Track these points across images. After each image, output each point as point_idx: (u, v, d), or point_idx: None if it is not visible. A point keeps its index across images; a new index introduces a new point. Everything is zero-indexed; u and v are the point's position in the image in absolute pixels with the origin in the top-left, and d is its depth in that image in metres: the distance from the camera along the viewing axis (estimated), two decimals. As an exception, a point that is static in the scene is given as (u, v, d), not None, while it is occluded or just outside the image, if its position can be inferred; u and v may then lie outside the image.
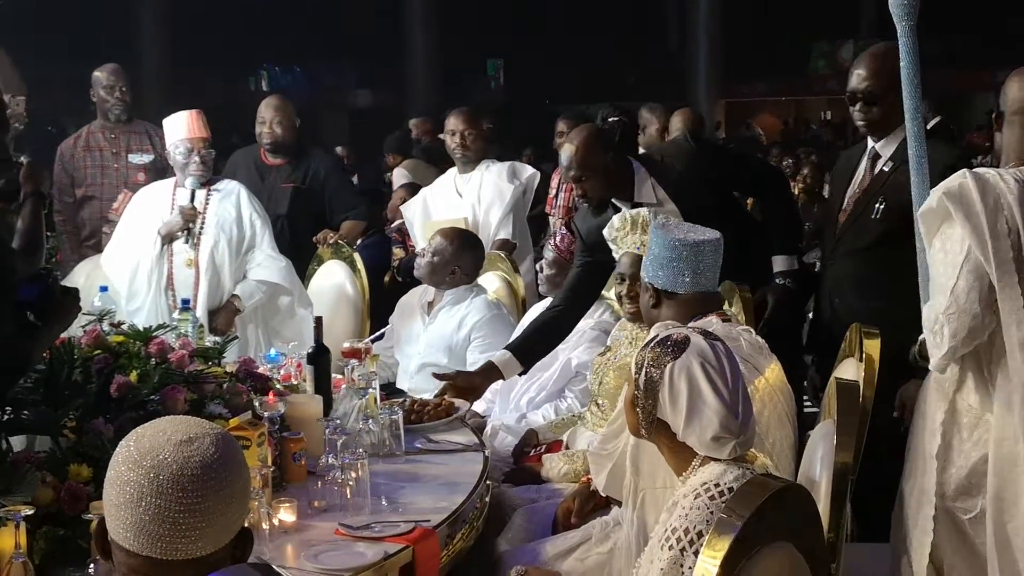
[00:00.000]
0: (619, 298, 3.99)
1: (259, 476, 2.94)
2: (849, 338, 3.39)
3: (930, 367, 3.08)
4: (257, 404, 3.30)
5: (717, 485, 2.38)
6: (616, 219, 3.96)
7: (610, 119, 5.98)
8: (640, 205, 4.23)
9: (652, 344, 2.59)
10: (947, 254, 2.96)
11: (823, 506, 2.63)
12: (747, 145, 14.49)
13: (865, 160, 4.11)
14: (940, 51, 21.52)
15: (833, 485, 2.64)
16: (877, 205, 3.95)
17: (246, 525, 1.79)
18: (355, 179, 10.72)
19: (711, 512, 2.31)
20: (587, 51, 22.26)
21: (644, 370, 2.56)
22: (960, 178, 2.94)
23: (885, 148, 4.02)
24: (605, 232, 3.95)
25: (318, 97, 23.51)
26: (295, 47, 22.64)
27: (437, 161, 7.75)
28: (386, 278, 6.80)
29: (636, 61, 22.45)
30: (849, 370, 3.22)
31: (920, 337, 3.15)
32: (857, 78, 4.01)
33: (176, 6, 19.97)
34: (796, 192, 7.39)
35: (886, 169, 3.97)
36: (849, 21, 22.59)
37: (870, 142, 4.11)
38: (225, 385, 3.44)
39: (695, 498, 2.41)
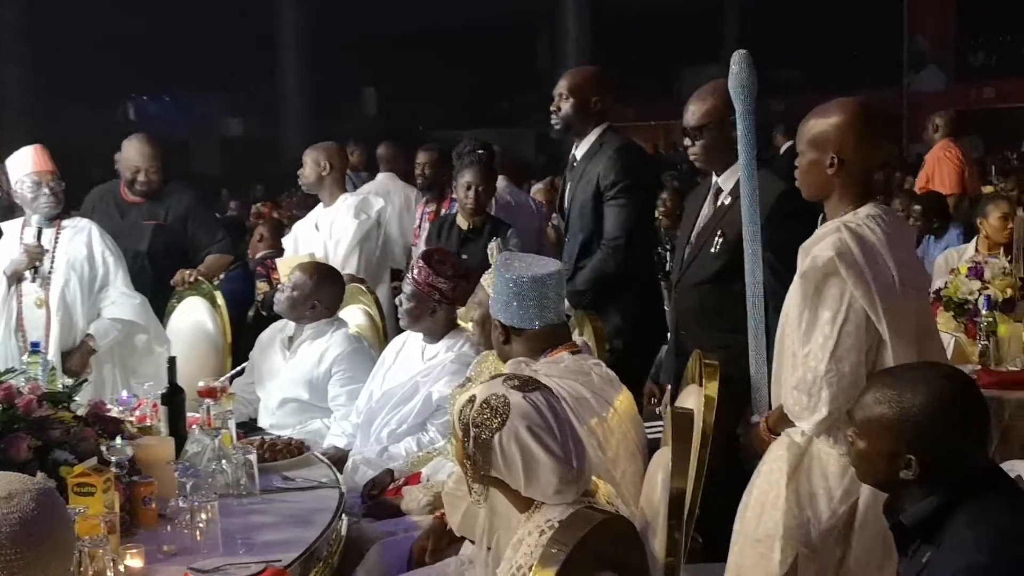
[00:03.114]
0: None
1: (104, 523, 2.90)
2: (691, 366, 3.48)
3: (804, 430, 3.01)
4: (104, 449, 3.25)
5: (549, 521, 2.43)
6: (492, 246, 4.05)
7: (478, 151, 6.07)
8: None
9: (475, 407, 2.62)
10: (827, 313, 2.92)
11: (661, 530, 2.71)
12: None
13: (710, 194, 4.21)
14: (802, 77, 22.20)
15: (669, 510, 2.71)
16: (716, 239, 4.03)
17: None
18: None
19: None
20: (460, 79, 22.41)
21: (471, 434, 2.60)
22: (837, 232, 2.93)
23: (726, 182, 4.09)
24: None
25: (188, 126, 23.25)
26: (164, 76, 22.34)
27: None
28: (250, 312, 6.74)
29: (508, 88, 22.67)
30: (691, 397, 3.31)
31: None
32: (688, 114, 4.13)
33: (37, 34, 19.53)
34: (658, 217, 7.52)
35: (726, 203, 4.04)
36: (713, 45, 23.14)
37: (714, 175, 4.20)
38: (72, 430, 3.39)
39: (540, 535, 2.46)
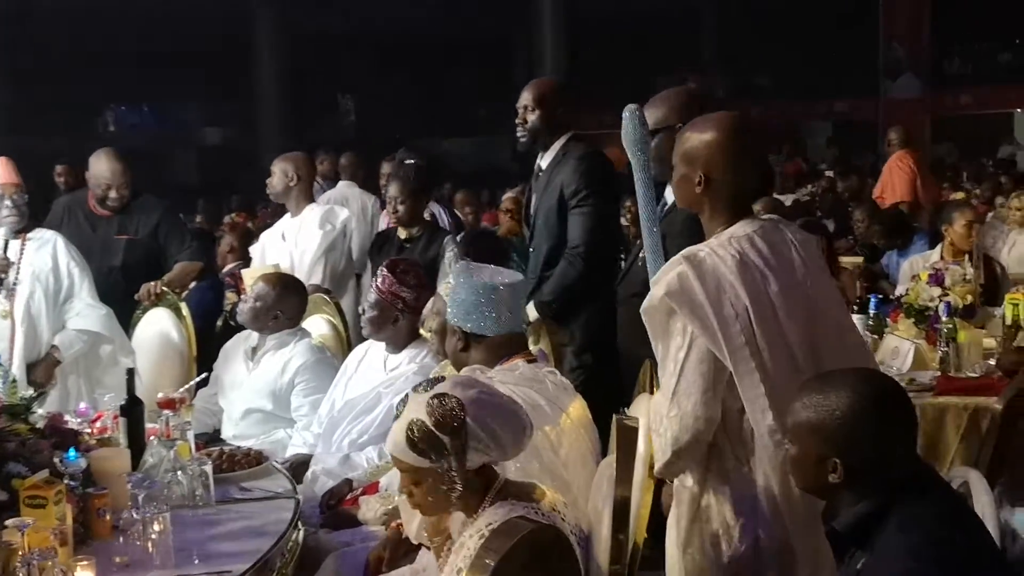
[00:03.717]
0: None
1: (54, 535, 2.92)
2: (642, 376, 3.51)
3: (655, 472, 2.89)
4: (57, 461, 3.26)
5: (490, 525, 2.47)
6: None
7: (407, 162, 6.12)
8: None
9: (428, 417, 2.64)
10: (671, 350, 2.80)
11: (605, 538, 2.74)
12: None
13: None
14: (773, 83, 22.31)
15: (614, 517, 2.74)
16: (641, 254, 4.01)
17: None
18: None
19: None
20: (437, 87, 22.43)
21: (442, 440, 2.62)
22: (677, 267, 2.80)
23: (671, 193, 4.08)
24: None
25: (166, 136, 23.20)
26: (141, 85, 22.29)
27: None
28: (219, 323, 6.75)
29: (484, 96, 22.70)
30: (642, 405, 3.34)
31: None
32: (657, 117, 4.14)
33: (15, 44, 19.47)
34: (626, 224, 7.57)
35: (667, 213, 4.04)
36: (690, 54, 23.26)
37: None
38: (28, 442, 3.40)
39: (479, 538, 2.50)
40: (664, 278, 2.80)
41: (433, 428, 2.63)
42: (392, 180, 6.01)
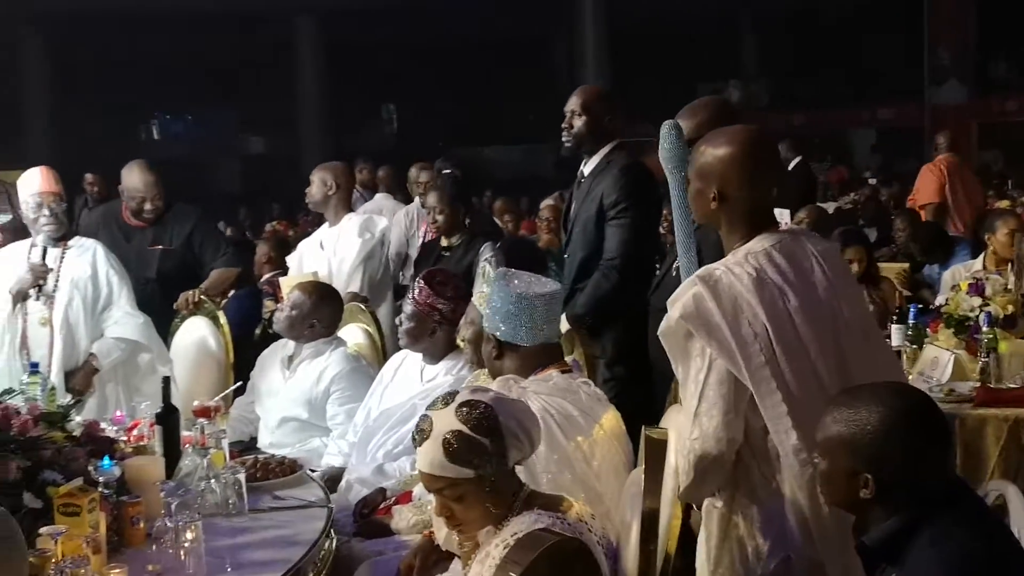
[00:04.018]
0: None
1: (87, 543, 2.94)
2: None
3: (679, 496, 2.86)
4: (92, 469, 3.29)
5: (515, 535, 2.46)
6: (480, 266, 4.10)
7: (444, 171, 6.16)
8: None
9: (463, 427, 2.67)
10: (691, 371, 2.75)
11: (634, 549, 2.73)
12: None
13: None
14: (814, 92, 22.16)
15: (642, 529, 2.73)
16: (675, 264, 3.93)
17: None
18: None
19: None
20: (478, 95, 22.48)
21: (479, 443, 2.65)
22: (692, 288, 2.76)
23: None
24: None
25: (209, 143, 23.41)
26: (186, 94, 22.50)
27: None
28: (257, 331, 6.79)
29: (525, 104, 22.72)
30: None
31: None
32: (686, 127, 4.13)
33: (60, 54, 19.73)
34: (663, 233, 7.53)
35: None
36: (732, 62, 23.17)
37: None
38: (63, 450, 3.43)
39: (504, 548, 2.49)
40: (679, 300, 2.77)
41: (472, 433, 2.65)
42: (431, 190, 6.10)
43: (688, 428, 2.73)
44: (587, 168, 5.00)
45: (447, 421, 2.69)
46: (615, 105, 5.02)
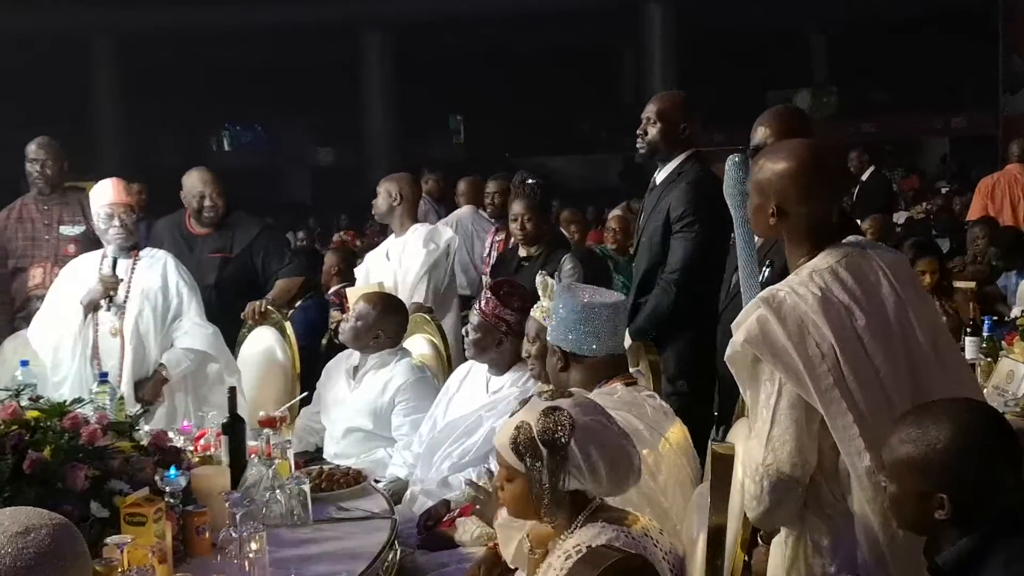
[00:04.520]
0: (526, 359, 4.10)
1: (153, 552, 2.96)
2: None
3: (750, 519, 2.78)
4: (158, 479, 3.31)
5: (577, 547, 2.44)
6: (539, 279, 4.08)
7: (528, 182, 6.14)
8: None
9: (536, 427, 2.67)
10: (761, 396, 2.69)
11: (699, 565, 2.69)
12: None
13: None
14: (889, 97, 21.85)
15: (708, 545, 2.69)
16: (764, 268, 3.93)
17: None
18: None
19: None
20: (546, 104, 22.45)
21: (541, 453, 2.65)
22: (756, 311, 2.70)
23: None
24: None
25: (279, 155, 23.63)
26: (255, 106, 22.74)
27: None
28: (323, 341, 6.83)
29: (592, 114, 22.68)
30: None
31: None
32: (762, 134, 4.09)
33: (132, 68, 20.04)
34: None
35: None
36: (802, 70, 22.93)
37: None
38: (131, 460, 3.46)
39: (565, 559, 2.48)
40: (744, 323, 2.70)
41: (536, 437, 2.67)
42: (517, 198, 6.09)
43: (760, 453, 2.67)
44: (659, 177, 4.95)
45: (531, 413, 2.73)
46: (692, 114, 4.93)
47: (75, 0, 18.76)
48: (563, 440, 2.64)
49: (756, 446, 2.70)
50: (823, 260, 2.75)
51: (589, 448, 2.66)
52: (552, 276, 4.20)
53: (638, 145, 4.92)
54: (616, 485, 2.72)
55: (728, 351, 2.75)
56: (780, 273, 3.76)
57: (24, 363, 4.41)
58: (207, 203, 5.90)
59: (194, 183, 5.94)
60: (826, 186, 2.81)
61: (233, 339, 5.64)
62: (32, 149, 6.17)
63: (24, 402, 3.67)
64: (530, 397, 2.93)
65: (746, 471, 2.73)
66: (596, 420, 2.73)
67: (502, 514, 3.33)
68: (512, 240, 6.45)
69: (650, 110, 4.88)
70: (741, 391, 2.80)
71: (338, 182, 22.34)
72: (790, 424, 2.63)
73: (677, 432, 3.43)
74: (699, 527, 2.82)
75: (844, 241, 2.85)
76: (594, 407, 2.82)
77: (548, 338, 3.68)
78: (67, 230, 5.98)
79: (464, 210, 7.86)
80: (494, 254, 6.52)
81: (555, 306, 3.64)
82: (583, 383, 3.55)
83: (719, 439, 2.97)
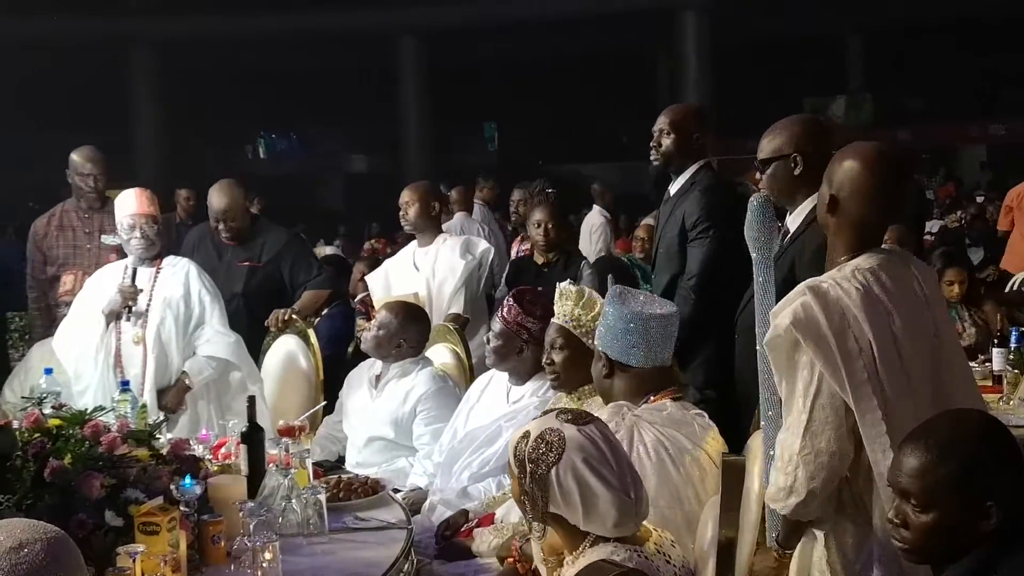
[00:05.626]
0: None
1: (165, 561, 2.97)
2: (759, 411, 3.41)
3: (779, 511, 2.73)
4: (173, 488, 3.32)
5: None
6: (563, 286, 4.08)
7: (547, 190, 6.16)
8: None
9: (530, 442, 2.66)
10: (799, 385, 2.69)
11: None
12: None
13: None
14: (925, 106, 21.68)
15: (718, 558, 2.67)
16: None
17: None
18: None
19: None
20: (580, 112, 22.44)
21: (527, 470, 2.63)
22: (801, 296, 2.71)
23: (793, 221, 4.04)
24: None
25: (313, 162, 23.75)
26: (289, 114, 22.87)
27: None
28: (349, 349, 6.84)
29: (626, 121, 22.63)
30: (757, 442, 3.25)
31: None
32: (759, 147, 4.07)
33: (169, 77, 20.20)
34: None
35: (784, 243, 3.96)
36: (837, 77, 22.79)
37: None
38: (148, 468, 3.47)
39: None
40: (788, 308, 2.72)
41: (525, 456, 2.69)
42: (539, 205, 6.10)
43: (793, 444, 2.66)
44: (674, 187, 4.95)
45: (538, 428, 2.75)
46: (705, 124, 4.95)
47: (115, 8, 18.95)
48: (543, 469, 2.66)
49: (789, 437, 2.69)
50: (866, 260, 2.79)
51: (569, 483, 2.64)
52: (575, 283, 4.19)
53: (652, 157, 4.94)
54: (595, 525, 2.63)
55: (769, 334, 2.75)
56: (792, 286, 3.74)
57: (48, 371, 4.44)
58: (222, 227, 5.95)
59: (212, 207, 5.97)
60: (883, 191, 2.84)
61: (259, 348, 5.65)
62: (80, 162, 6.16)
63: (47, 410, 3.70)
64: (551, 409, 2.93)
65: (775, 464, 2.72)
66: (590, 456, 2.67)
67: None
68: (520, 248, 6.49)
69: (663, 121, 4.90)
70: (776, 381, 2.79)
71: (371, 189, 22.42)
72: (830, 413, 2.65)
73: (715, 445, 3.41)
74: (710, 542, 2.80)
75: (884, 247, 2.90)
76: (599, 442, 2.72)
77: (595, 342, 3.68)
78: (108, 240, 5.96)
79: (456, 217, 7.94)
80: (521, 262, 6.51)
81: (604, 311, 3.64)
82: (627, 392, 3.54)
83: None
